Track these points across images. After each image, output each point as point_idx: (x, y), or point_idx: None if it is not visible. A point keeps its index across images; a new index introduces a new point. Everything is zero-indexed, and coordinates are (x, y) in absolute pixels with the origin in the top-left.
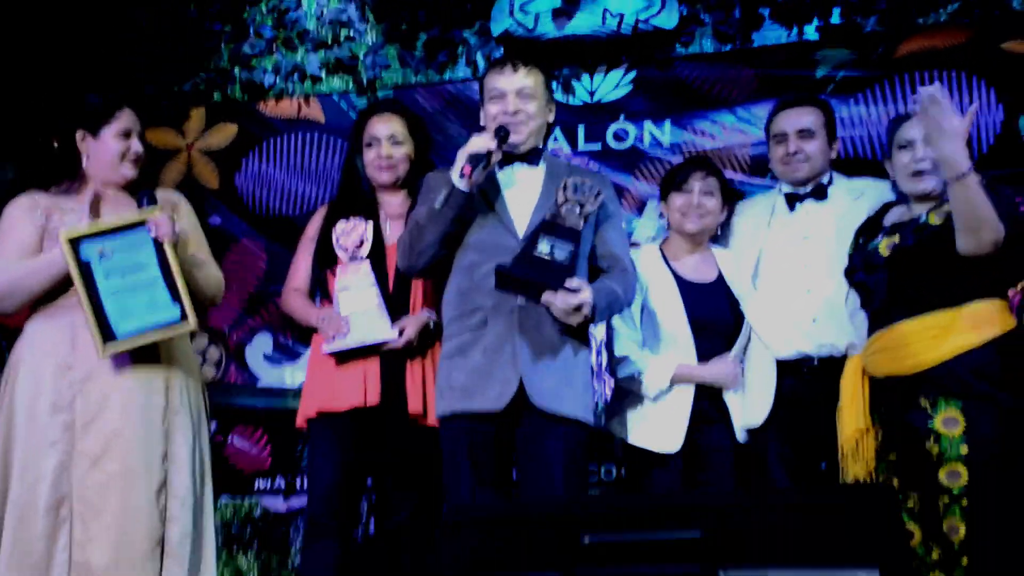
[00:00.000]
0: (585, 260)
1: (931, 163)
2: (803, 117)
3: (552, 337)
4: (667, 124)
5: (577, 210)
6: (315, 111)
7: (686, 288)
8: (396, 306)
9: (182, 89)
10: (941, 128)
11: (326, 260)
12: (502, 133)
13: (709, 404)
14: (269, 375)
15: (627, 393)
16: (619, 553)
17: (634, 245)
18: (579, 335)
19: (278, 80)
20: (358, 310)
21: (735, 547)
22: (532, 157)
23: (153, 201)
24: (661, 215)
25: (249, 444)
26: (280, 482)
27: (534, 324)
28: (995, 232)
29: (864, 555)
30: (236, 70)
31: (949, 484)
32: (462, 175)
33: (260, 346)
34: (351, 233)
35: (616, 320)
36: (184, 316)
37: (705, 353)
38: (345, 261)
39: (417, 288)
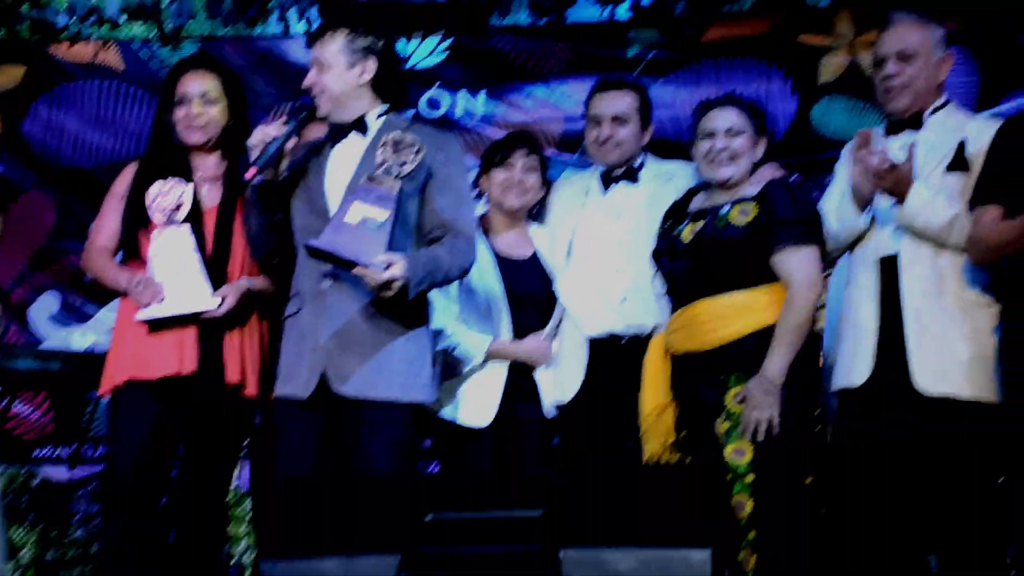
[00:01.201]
0: (410, 226)
1: (730, 154)
2: (618, 101)
3: (361, 322)
4: (482, 95)
5: (394, 171)
6: (113, 58)
7: (504, 264)
8: (214, 273)
9: None
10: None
11: (138, 221)
12: (301, 114)
13: (522, 380)
14: (55, 337)
15: (441, 366)
16: (462, 531)
17: None
18: (403, 311)
19: (72, 22)
20: (176, 276)
21: (575, 527)
22: (360, 126)
23: None
24: (476, 186)
25: (30, 409)
26: (64, 450)
27: (340, 310)
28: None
29: (699, 536)
30: (25, 7)
31: (735, 462)
32: (246, 178)
33: (46, 306)
34: (168, 195)
35: (433, 291)
36: None
37: (521, 328)
38: (161, 224)
39: (236, 256)
